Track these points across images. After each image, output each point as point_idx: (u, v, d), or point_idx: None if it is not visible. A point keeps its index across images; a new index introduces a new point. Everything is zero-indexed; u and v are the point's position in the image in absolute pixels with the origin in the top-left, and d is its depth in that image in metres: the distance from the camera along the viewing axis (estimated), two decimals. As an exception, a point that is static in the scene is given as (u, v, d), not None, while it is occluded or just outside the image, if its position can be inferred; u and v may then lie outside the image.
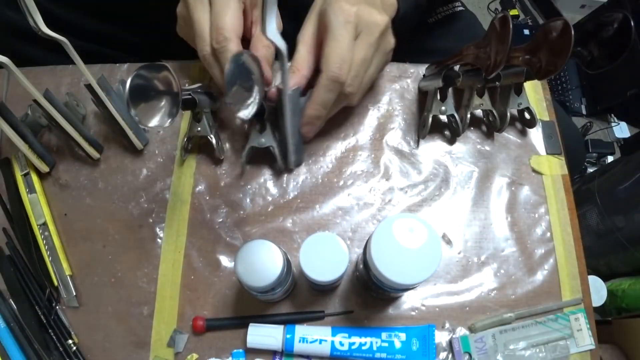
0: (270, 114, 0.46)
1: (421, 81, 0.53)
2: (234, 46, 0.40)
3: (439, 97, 0.49)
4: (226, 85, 0.36)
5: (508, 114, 0.49)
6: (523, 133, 0.52)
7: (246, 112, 0.38)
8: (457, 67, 0.48)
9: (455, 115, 0.49)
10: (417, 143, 0.51)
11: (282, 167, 0.49)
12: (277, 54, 0.40)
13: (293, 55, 0.43)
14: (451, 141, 0.51)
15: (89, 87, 0.42)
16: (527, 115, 0.51)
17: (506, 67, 0.50)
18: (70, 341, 0.43)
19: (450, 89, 0.49)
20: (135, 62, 0.54)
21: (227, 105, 0.35)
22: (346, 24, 0.39)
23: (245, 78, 0.37)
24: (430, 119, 0.49)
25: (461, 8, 0.68)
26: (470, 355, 0.43)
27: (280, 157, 0.48)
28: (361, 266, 0.40)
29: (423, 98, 0.53)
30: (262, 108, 0.45)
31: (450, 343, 0.43)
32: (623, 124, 1.54)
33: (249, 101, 0.38)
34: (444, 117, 0.51)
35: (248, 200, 0.49)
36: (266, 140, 0.47)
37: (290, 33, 0.43)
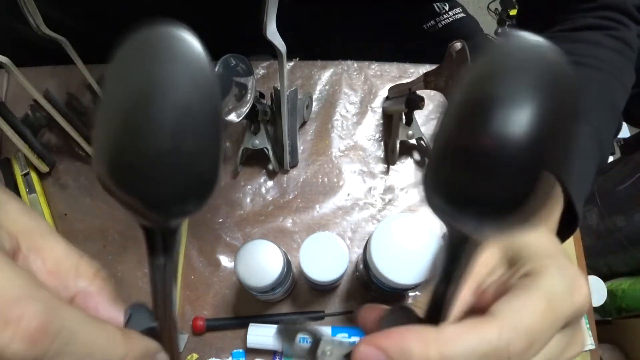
0: (265, 114, 0.46)
1: (384, 102, 0.53)
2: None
3: (404, 121, 0.48)
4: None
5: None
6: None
7: (236, 115, 0.38)
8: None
9: (424, 137, 0.48)
10: (388, 170, 0.50)
11: (276, 168, 0.49)
12: (276, 54, 0.39)
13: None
14: (422, 163, 0.51)
15: (89, 87, 0.42)
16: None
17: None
18: (70, 341, 0.43)
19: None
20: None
21: None
22: (570, 297, 0.21)
23: (235, 80, 0.37)
24: (398, 145, 0.47)
25: (462, 15, 0.66)
26: (470, 355, 0.43)
27: (274, 158, 0.48)
28: (361, 266, 0.40)
29: (387, 121, 0.52)
30: (255, 109, 0.44)
31: (450, 343, 0.43)
32: (623, 124, 1.54)
33: (240, 103, 0.38)
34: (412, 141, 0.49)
35: (248, 200, 0.49)
36: (260, 141, 0.47)
37: (285, 42, 0.43)
